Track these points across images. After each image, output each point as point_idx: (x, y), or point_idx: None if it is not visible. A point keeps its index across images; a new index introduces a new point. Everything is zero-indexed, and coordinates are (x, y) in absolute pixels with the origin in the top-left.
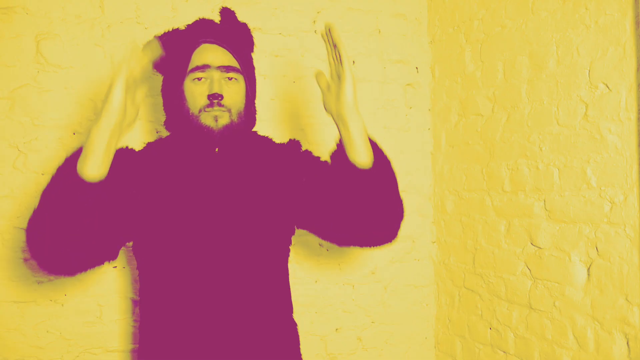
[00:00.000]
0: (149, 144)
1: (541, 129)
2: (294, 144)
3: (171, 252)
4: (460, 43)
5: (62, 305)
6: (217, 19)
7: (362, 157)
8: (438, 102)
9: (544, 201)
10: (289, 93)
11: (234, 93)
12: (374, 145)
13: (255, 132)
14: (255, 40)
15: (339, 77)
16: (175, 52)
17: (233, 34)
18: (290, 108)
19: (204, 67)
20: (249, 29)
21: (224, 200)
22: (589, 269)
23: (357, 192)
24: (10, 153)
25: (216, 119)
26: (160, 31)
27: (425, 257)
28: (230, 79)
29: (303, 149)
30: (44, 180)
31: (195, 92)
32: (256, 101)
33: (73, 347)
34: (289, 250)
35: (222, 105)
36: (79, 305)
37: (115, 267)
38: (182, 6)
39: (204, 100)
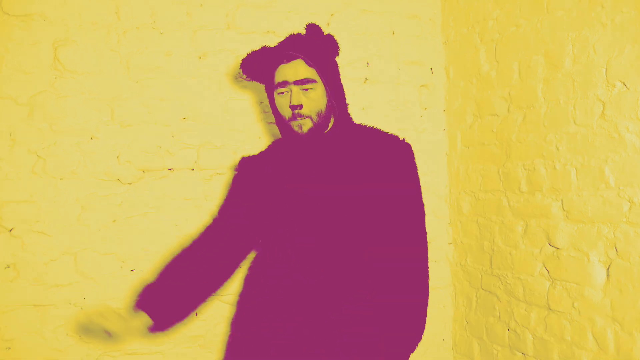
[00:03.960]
0: (270, 145)
1: (558, 129)
2: (404, 146)
3: (275, 240)
4: (474, 43)
5: (81, 308)
6: (302, 31)
7: None
8: (453, 102)
9: (562, 201)
10: None
11: (311, 101)
12: None
13: (353, 122)
14: (269, 43)
15: None
16: (264, 68)
17: (310, 46)
18: None
19: (284, 84)
20: (328, 37)
21: (319, 193)
22: (608, 269)
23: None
24: (29, 158)
25: (300, 127)
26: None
27: (441, 259)
28: (306, 89)
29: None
30: (62, 185)
31: (282, 104)
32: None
33: (92, 350)
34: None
35: (302, 115)
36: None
37: (133, 270)
38: (197, 11)
39: (289, 111)
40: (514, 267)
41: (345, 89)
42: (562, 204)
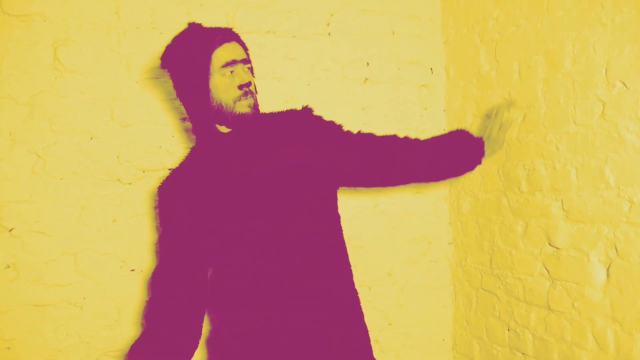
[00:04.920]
0: (185, 159)
1: (558, 129)
2: (305, 110)
3: (230, 251)
4: (474, 43)
5: (82, 308)
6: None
7: None
8: (453, 103)
9: (562, 201)
10: (303, 96)
11: (254, 80)
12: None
13: (263, 113)
14: (269, 43)
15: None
16: (193, 52)
17: (231, 31)
18: None
19: (232, 63)
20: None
21: (251, 180)
22: (608, 269)
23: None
24: (29, 158)
25: (250, 106)
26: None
27: (441, 259)
28: (250, 69)
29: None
30: (62, 185)
31: (227, 86)
32: (268, 103)
33: (92, 350)
34: (335, 215)
35: (252, 92)
36: (98, 309)
37: (133, 270)
38: (197, 11)
39: (236, 92)
40: (514, 267)
41: (345, 89)
42: (562, 204)
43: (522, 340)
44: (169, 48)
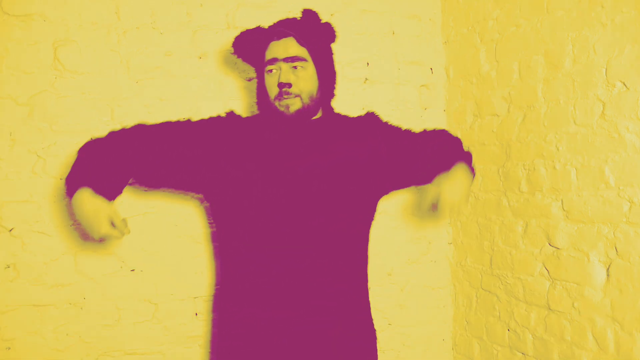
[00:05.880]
0: (249, 117)
1: (558, 129)
2: (370, 116)
3: (252, 217)
4: (474, 43)
5: (81, 308)
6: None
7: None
8: (453, 102)
9: (562, 201)
10: None
11: (300, 80)
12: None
13: (336, 114)
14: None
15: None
16: (254, 47)
17: (304, 27)
18: None
19: (273, 61)
20: (325, 23)
21: (302, 174)
22: (608, 269)
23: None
24: (29, 158)
25: (287, 107)
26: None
27: (441, 259)
28: (295, 67)
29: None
30: (62, 185)
31: (270, 84)
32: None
33: (92, 349)
34: (371, 218)
35: (290, 94)
36: (98, 308)
37: (133, 270)
38: (197, 11)
39: (276, 90)
40: (514, 267)
41: (345, 89)
42: (562, 204)
43: (522, 340)
44: (236, 40)
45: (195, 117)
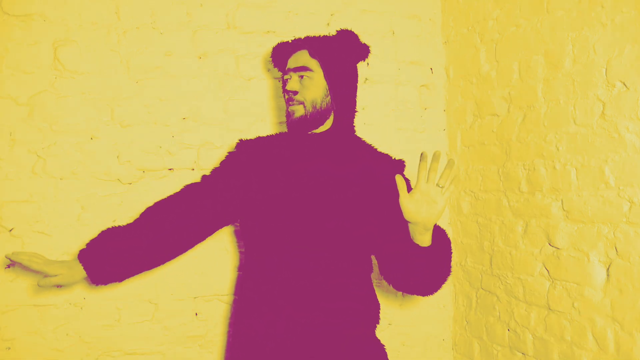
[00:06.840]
0: (274, 135)
1: (558, 129)
2: (397, 163)
3: (269, 229)
4: (474, 43)
5: (81, 308)
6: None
7: (424, 244)
8: (453, 102)
9: (562, 201)
10: None
11: (305, 88)
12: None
13: (358, 137)
14: (269, 43)
15: (433, 198)
16: (281, 58)
17: (320, 42)
18: None
19: (287, 71)
20: (355, 41)
21: (306, 178)
22: (608, 269)
23: (417, 264)
24: (30, 158)
25: (293, 113)
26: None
27: None
28: (302, 77)
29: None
30: (62, 185)
31: (284, 90)
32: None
33: (92, 349)
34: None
35: (294, 101)
36: (98, 309)
37: None
38: (197, 11)
39: (286, 96)
40: (514, 267)
41: None
42: (562, 204)
43: (522, 340)
44: (272, 51)
45: (194, 118)
